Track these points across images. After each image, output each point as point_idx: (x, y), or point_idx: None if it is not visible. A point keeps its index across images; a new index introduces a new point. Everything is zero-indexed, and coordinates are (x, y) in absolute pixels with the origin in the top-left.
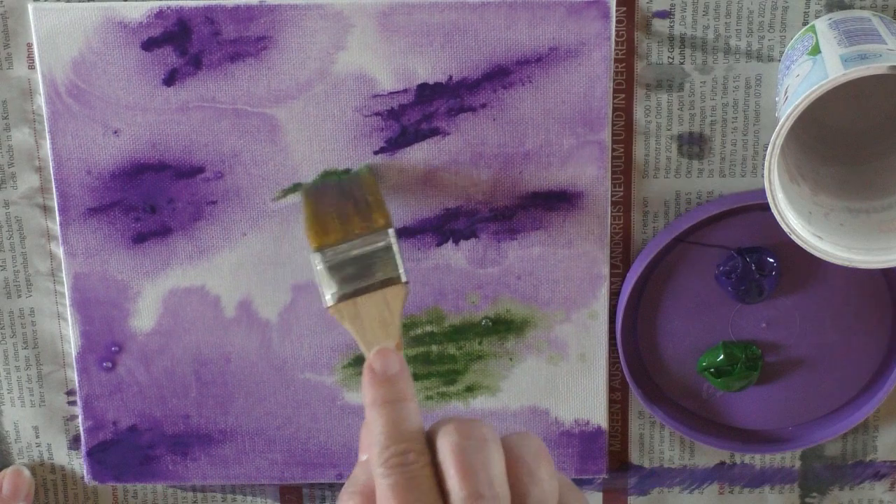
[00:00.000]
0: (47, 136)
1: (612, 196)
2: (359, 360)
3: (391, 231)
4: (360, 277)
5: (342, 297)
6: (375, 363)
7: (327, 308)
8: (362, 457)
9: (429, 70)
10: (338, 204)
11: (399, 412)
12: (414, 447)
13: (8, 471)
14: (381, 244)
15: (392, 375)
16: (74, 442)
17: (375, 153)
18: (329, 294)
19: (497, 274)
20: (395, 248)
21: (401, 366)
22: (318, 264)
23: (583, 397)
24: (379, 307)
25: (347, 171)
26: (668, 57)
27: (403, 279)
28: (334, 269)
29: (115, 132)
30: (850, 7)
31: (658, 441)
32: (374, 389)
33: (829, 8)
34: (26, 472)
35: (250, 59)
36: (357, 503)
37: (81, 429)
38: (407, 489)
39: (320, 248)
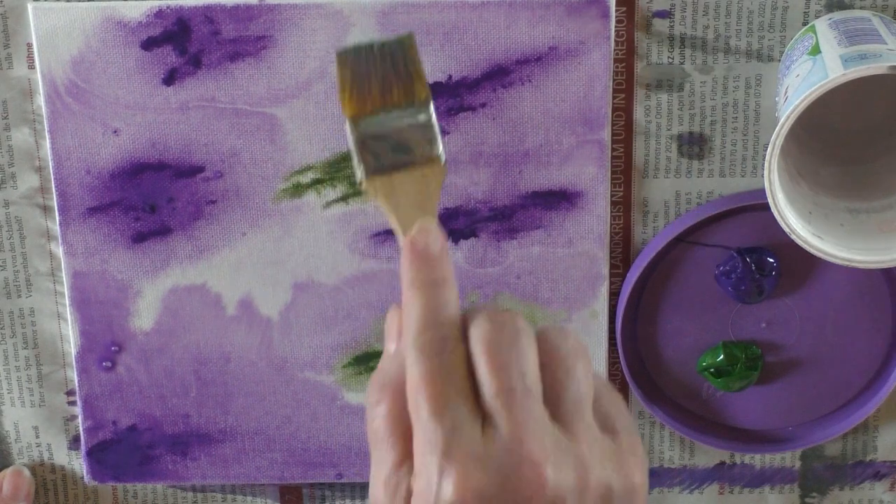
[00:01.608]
0: (47, 135)
1: (612, 196)
2: (359, 360)
3: (432, 105)
4: (397, 152)
5: (377, 171)
6: (418, 239)
7: (359, 182)
8: (390, 346)
9: (428, 69)
10: (376, 71)
11: (439, 296)
12: (451, 334)
13: (8, 471)
14: (421, 118)
15: (434, 255)
16: (74, 442)
17: None
18: (363, 167)
19: (497, 273)
20: (435, 122)
21: (443, 246)
22: (352, 134)
23: None
24: (417, 186)
25: (390, 40)
26: (668, 57)
27: (444, 159)
28: (370, 140)
29: (115, 132)
30: (850, 7)
31: (658, 441)
32: (415, 268)
33: (829, 8)
34: (26, 472)
35: (250, 59)
36: (388, 397)
37: (81, 429)
38: (441, 378)
39: (355, 117)
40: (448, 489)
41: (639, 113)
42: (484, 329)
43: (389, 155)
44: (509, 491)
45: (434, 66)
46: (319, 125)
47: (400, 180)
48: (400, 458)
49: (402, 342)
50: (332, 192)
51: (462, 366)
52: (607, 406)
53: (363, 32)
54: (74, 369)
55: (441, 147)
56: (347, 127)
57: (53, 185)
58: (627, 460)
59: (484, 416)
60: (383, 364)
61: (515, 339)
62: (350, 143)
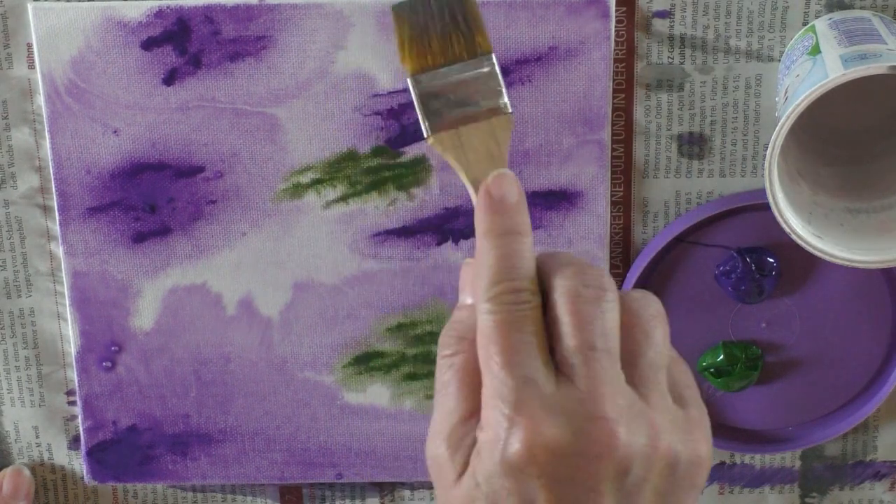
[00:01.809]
0: (47, 135)
1: (612, 196)
2: (359, 360)
3: (494, 57)
4: (462, 105)
5: (444, 126)
6: (494, 189)
7: (426, 138)
8: (465, 298)
9: None
10: (435, 25)
11: (514, 246)
12: (527, 286)
13: (8, 470)
14: (484, 70)
15: (511, 204)
16: (74, 442)
17: (375, 152)
18: (428, 123)
19: None
20: (499, 74)
21: (521, 197)
22: (415, 90)
23: None
24: (485, 138)
25: None
26: (668, 57)
27: (510, 109)
28: (433, 95)
29: (115, 132)
30: (850, 7)
31: None
32: (490, 217)
33: (829, 8)
34: (26, 472)
35: (250, 59)
36: (460, 349)
37: (81, 429)
38: (514, 328)
39: (417, 73)
40: (516, 442)
41: (639, 113)
42: (571, 282)
43: (455, 109)
44: (579, 447)
45: None
46: (319, 125)
47: (467, 134)
48: (469, 412)
49: (476, 293)
50: (332, 192)
51: (537, 318)
52: (678, 377)
53: (363, 32)
54: (74, 369)
55: (507, 98)
56: (409, 83)
57: (53, 185)
58: (695, 432)
59: (558, 370)
60: (457, 315)
61: (602, 296)
62: (413, 99)
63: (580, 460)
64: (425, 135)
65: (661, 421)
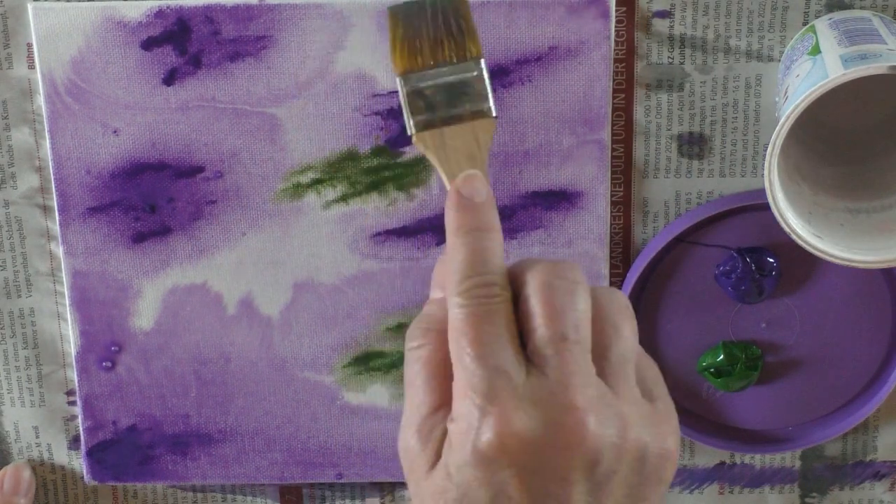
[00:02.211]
0: (47, 135)
1: (612, 196)
2: (359, 360)
3: (483, 61)
4: (448, 106)
5: (428, 125)
6: (463, 188)
7: (411, 136)
8: (436, 293)
9: None
10: (428, 27)
11: (485, 241)
12: (497, 280)
13: (9, 468)
14: (472, 74)
15: (479, 203)
16: (74, 442)
17: (375, 152)
18: (413, 121)
19: None
20: (486, 78)
21: (489, 195)
22: (402, 89)
23: None
24: (466, 139)
25: None
26: (668, 57)
27: (494, 113)
28: (420, 95)
29: (115, 132)
30: (850, 7)
31: None
32: (460, 215)
33: (829, 8)
34: (27, 469)
35: (250, 59)
36: (431, 341)
37: (81, 429)
38: (485, 321)
39: (406, 73)
40: (488, 431)
41: (639, 113)
42: (543, 275)
43: (440, 110)
44: (550, 437)
45: None
46: (319, 125)
47: (450, 134)
48: (437, 403)
49: (447, 288)
50: (332, 192)
51: (510, 312)
52: (646, 372)
53: (363, 32)
54: (74, 369)
55: (492, 102)
56: (398, 82)
57: (53, 185)
58: (662, 426)
59: (530, 362)
60: (427, 309)
61: (573, 289)
62: (400, 97)
63: (551, 450)
64: (409, 133)
65: (630, 413)
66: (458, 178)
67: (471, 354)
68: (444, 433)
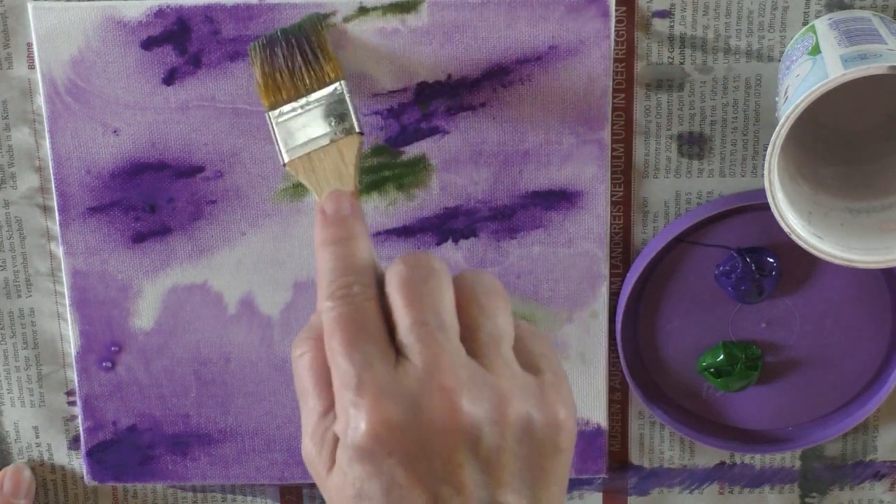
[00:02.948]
0: (47, 135)
1: (612, 196)
2: None
3: (342, 83)
4: (315, 131)
5: (297, 153)
6: (327, 205)
7: (283, 165)
8: (319, 305)
9: (428, 69)
10: (285, 59)
11: (347, 248)
12: (360, 280)
13: (9, 468)
14: (333, 97)
15: (343, 216)
16: (74, 442)
17: (375, 152)
18: (284, 151)
19: (497, 273)
20: (348, 99)
21: (353, 208)
22: (272, 122)
23: (583, 396)
24: (334, 159)
25: (296, 26)
26: (668, 57)
27: (357, 129)
28: (289, 125)
29: (115, 131)
30: (850, 7)
31: (658, 441)
32: (324, 230)
33: (829, 8)
34: (27, 470)
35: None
36: (310, 348)
37: (81, 429)
38: (351, 320)
39: (273, 106)
40: (360, 422)
41: (639, 113)
42: (398, 269)
43: (307, 136)
44: (423, 421)
45: (434, 65)
46: None
47: (318, 157)
48: (325, 407)
49: (318, 297)
50: None
51: (375, 308)
52: (531, 346)
53: (363, 32)
54: (74, 369)
55: (354, 120)
56: (267, 118)
57: (53, 185)
58: (549, 395)
59: (399, 353)
60: (311, 319)
61: (429, 275)
62: (270, 131)
63: (426, 433)
64: (281, 162)
65: (507, 386)
66: (323, 196)
67: (339, 352)
68: (336, 435)
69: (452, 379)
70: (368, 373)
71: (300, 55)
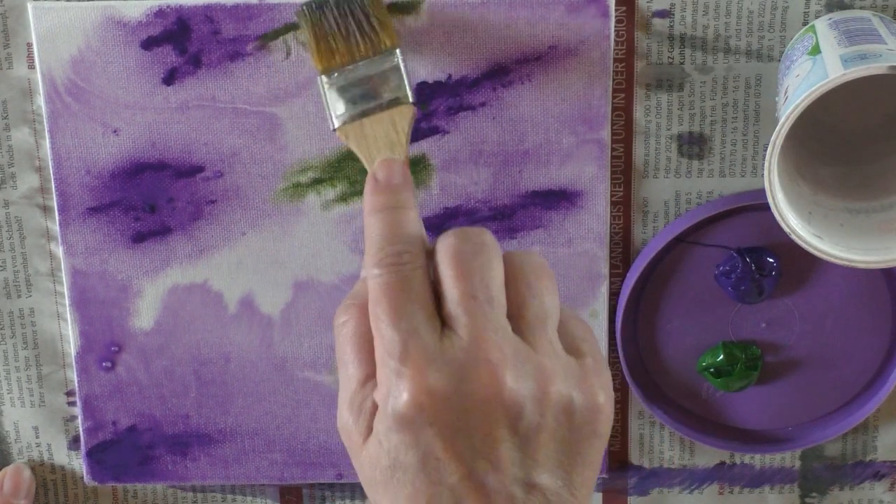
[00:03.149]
0: (47, 135)
1: (612, 196)
2: None
3: (398, 51)
4: (367, 98)
5: (349, 119)
6: (379, 172)
7: (334, 130)
8: (363, 272)
9: (428, 69)
10: (342, 24)
11: (398, 216)
12: (409, 249)
13: (9, 469)
14: (388, 65)
15: (395, 184)
16: (74, 442)
17: None
18: (335, 116)
19: None
20: (403, 68)
21: (404, 177)
22: (324, 87)
23: None
24: (385, 128)
25: None
26: (668, 57)
27: (411, 99)
28: (341, 91)
29: (115, 131)
30: (850, 7)
31: (658, 441)
32: (374, 197)
33: (829, 8)
34: (27, 470)
35: (250, 59)
36: (354, 316)
37: (81, 429)
38: (399, 288)
39: (326, 71)
40: (403, 392)
41: (639, 113)
42: (450, 241)
43: (359, 103)
44: (466, 393)
45: (434, 65)
46: (319, 125)
47: (370, 124)
48: (365, 376)
49: (365, 264)
50: (332, 192)
51: (423, 278)
52: (574, 330)
53: None
54: (74, 369)
55: (408, 90)
56: (319, 81)
57: (53, 185)
58: (590, 379)
59: (445, 324)
60: (356, 286)
61: (480, 250)
62: (322, 96)
63: (468, 405)
64: (332, 127)
65: (550, 366)
66: (375, 163)
67: (385, 321)
68: (375, 404)
69: (498, 353)
70: (414, 341)
71: (353, 21)
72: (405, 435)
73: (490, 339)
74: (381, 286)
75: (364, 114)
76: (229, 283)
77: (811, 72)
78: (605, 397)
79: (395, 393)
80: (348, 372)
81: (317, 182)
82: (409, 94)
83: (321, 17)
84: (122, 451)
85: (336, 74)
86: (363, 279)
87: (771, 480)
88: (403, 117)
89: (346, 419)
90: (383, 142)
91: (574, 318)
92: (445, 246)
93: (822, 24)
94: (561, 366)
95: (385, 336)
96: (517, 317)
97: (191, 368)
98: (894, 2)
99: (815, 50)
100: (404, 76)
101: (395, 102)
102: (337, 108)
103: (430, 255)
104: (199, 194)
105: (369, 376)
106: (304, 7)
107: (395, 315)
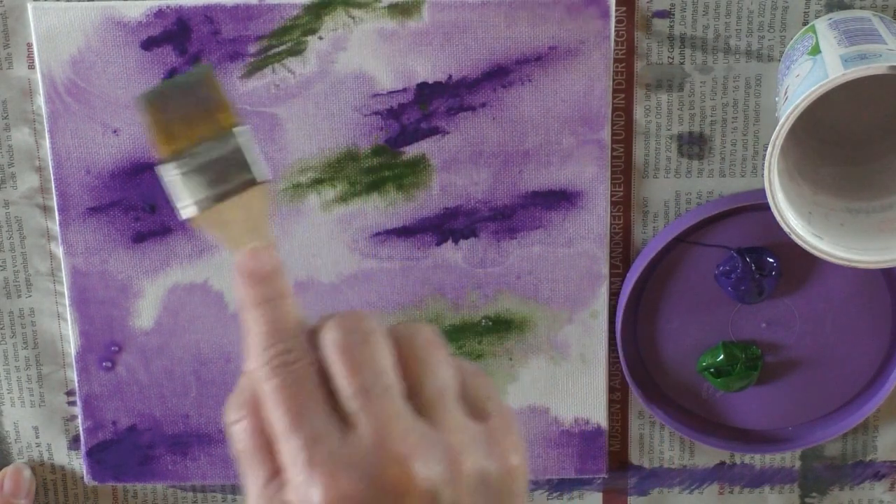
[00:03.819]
0: (47, 135)
1: (612, 196)
2: None
3: (239, 129)
4: (216, 184)
5: (202, 207)
6: (247, 263)
7: (189, 220)
8: (248, 367)
9: (428, 69)
10: (178, 109)
11: (278, 310)
12: (296, 345)
13: (9, 469)
14: (230, 147)
15: (267, 273)
16: (74, 442)
17: (375, 152)
18: (187, 204)
19: (497, 273)
20: (247, 147)
21: (274, 265)
22: (169, 175)
23: (583, 396)
24: (242, 212)
25: (185, 77)
26: (668, 57)
27: (260, 178)
28: (187, 177)
29: (115, 131)
30: (850, 7)
31: (658, 441)
32: (249, 290)
33: (829, 8)
34: (27, 470)
35: (249, 59)
36: (247, 415)
37: (81, 429)
38: (292, 390)
39: (169, 158)
40: (316, 498)
41: (639, 113)
42: (334, 333)
43: (209, 188)
44: (379, 491)
45: (434, 66)
46: (319, 125)
47: (226, 209)
48: (270, 473)
49: (251, 362)
50: (331, 192)
51: (313, 374)
52: (475, 391)
53: (363, 32)
54: (74, 369)
55: (258, 168)
56: (161, 171)
57: (53, 185)
58: (500, 443)
59: (345, 421)
60: (241, 383)
61: (367, 338)
62: (168, 185)
63: (384, 502)
64: (183, 218)
65: (458, 442)
66: (242, 254)
67: (286, 426)
68: (284, 500)
69: (403, 445)
70: (318, 447)
71: (193, 103)
72: None
73: (392, 431)
74: (276, 390)
75: (217, 199)
76: (229, 282)
77: (811, 72)
78: (517, 458)
79: (308, 499)
80: (253, 469)
81: (317, 182)
82: (260, 171)
83: (161, 102)
84: (122, 450)
85: (179, 162)
86: (248, 374)
87: (771, 480)
88: (259, 198)
89: None
90: (243, 226)
91: (474, 376)
92: (330, 339)
93: (822, 24)
94: (469, 438)
95: (288, 442)
96: (416, 396)
97: (191, 368)
98: (894, 2)
99: (815, 50)
100: (250, 155)
101: (247, 184)
102: (186, 195)
103: (313, 337)
104: None
105: (274, 472)
106: (145, 94)
107: (294, 421)
